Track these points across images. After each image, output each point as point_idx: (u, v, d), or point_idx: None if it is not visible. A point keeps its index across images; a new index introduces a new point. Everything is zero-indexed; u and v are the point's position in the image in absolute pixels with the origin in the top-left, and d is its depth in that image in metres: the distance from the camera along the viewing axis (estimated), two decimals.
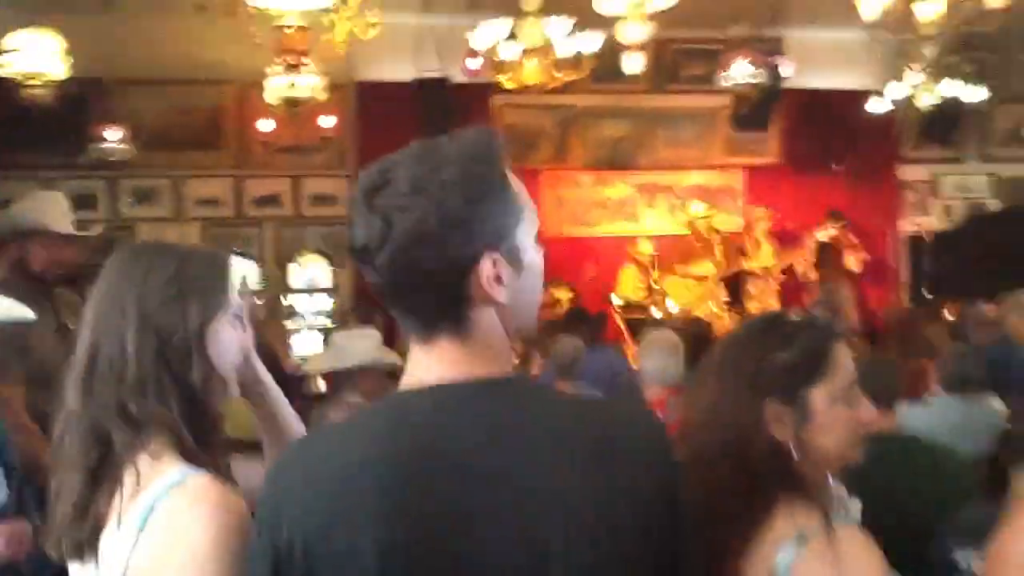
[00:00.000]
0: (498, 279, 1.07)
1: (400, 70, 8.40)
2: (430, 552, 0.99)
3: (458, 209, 1.05)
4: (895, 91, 8.39)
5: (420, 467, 1.01)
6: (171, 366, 1.29)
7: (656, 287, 8.56)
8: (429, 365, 1.09)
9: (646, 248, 8.87)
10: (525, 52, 6.63)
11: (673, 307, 8.44)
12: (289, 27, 4.40)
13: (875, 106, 8.76)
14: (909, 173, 10.18)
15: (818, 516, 1.30)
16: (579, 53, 6.69)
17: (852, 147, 9.55)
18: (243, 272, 1.42)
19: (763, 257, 8.69)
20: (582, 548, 1.00)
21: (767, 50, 7.92)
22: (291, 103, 6.20)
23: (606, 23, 6.82)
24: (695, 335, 5.14)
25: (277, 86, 6.08)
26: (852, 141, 9.50)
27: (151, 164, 8.32)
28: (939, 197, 10.33)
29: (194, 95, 8.48)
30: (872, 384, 1.47)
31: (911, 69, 8.58)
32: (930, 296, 8.81)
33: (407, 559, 0.98)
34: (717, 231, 8.68)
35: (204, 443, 1.30)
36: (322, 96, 6.35)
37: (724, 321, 8.37)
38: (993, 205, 10.42)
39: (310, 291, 8.66)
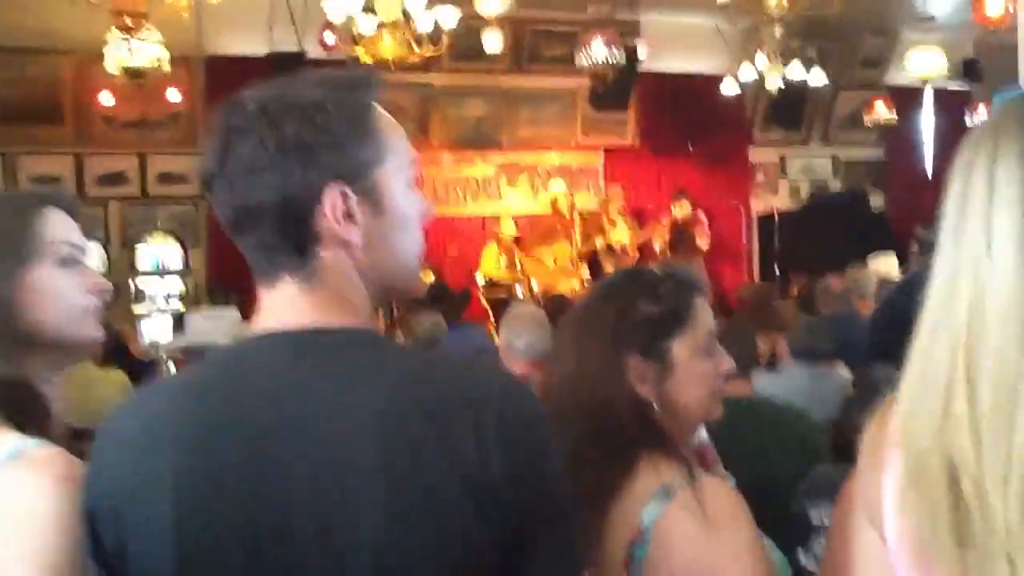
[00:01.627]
0: (348, 216, 0.97)
1: (252, 44, 8.08)
2: (226, 514, 0.91)
3: (303, 134, 0.95)
4: (745, 74, 8.66)
5: (219, 423, 0.93)
6: None
7: (519, 266, 8.58)
8: (272, 310, 1.00)
9: (508, 228, 8.88)
10: (382, 25, 6.48)
11: (536, 286, 8.48)
12: None
13: (727, 89, 9.03)
14: (759, 155, 10.58)
15: (682, 470, 1.27)
16: (438, 28, 6.59)
17: (705, 129, 9.85)
18: (63, 214, 1.29)
19: (619, 234, 8.84)
20: (393, 511, 0.89)
21: (624, 32, 8.03)
22: (133, 73, 5.84)
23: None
24: (556, 311, 5.18)
25: (117, 55, 5.71)
26: (705, 124, 9.79)
27: None
28: (787, 178, 10.78)
29: (28, 65, 7.91)
30: (729, 353, 1.46)
31: (760, 53, 8.90)
32: (779, 272, 9.18)
33: (203, 521, 0.91)
34: (577, 210, 8.77)
35: (29, 411, 1.17)
36: (167, 67, 6.02)
37: None
38: (835, 186, 10.97)
39: (160, 273, 8.26)
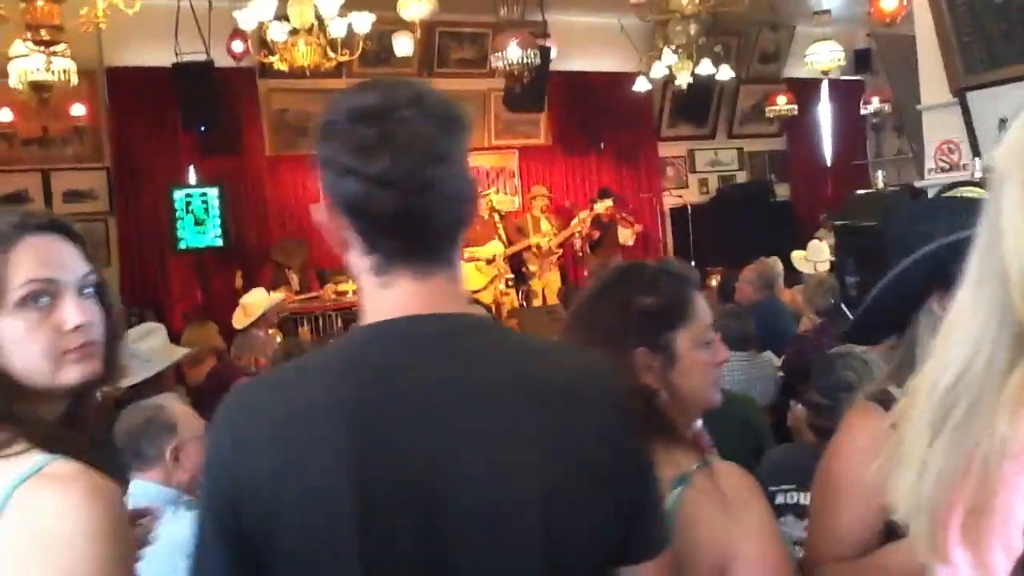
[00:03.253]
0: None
1: (156, 54, 7.88)
2: (404, 490, 0.98)
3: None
4: (656, 71, 8.84)
5: (388, 403, 1.01)
6: None
7: None
8: (418, 297, 1.06)
9: None
10: (295, 32, 6.40)
11: None
12: None
13: (639, 86, 9.21)
14: (667, 150, 10.81)
15: (695, 456, 1.33)
16: (351, 33, 6.55)
17: (615, 127, 10.03)
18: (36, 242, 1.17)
19: (543, 233, 8.93)
20: (550, 484, 1.00)
21: (533, 33, 8.10)
22: (39, 88, 5.63)
23: (375, 4, 6.74)
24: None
25: (24, 69, 5.49)
26: (614, 121, 9.98)
27: None
28: (695, 171, 11.05)
29: None
30: None
31: (669, 49, 9.10)
32: (696, 264, 9.38)
33: (383, 497, 0.98)
34: (497, 211, 8.80)
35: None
36: (74, 80, 5.81)
37: (511, 299, 8.53)
38: (741, 178, 11.29)
39: None
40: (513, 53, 6.86)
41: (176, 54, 7.68)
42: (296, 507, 0.98)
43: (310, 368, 1.10)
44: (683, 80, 9.17)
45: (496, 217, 8.68)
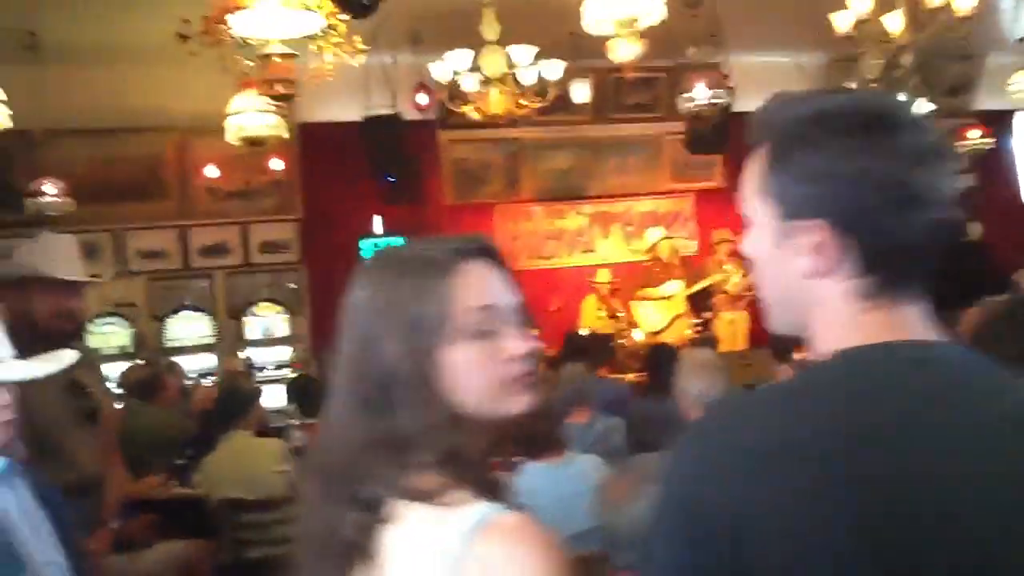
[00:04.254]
0: None
1: (343, 109, 8.19)
2: (911, 528, 0.88)
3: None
4: None
5: (886, 433, 0.90)
6: None
7: (621, 315, 8.45)
8: (899, 324, 0.98)
9: (604, 277, 8.78)
10: (487, 82, 6.49)
11: (639, 335, 8.34)
12: (276, 55, 4.15)
13: None
14: None
15: None
16: (541, 80, 6.60)
17: None
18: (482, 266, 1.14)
19: (732, 278, 8.70)
20: None
21: (716, 75, 7.97)
22: (255, 143, 5.90)
23: (557, 51, 6.77)
24: (661, 359, 5.07)
25: (241, 124, 5.77)
26: None
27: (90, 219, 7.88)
28: None
29: (131, 144, 8.06)
30: None
31: (854, 85, 8.79)
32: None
33: (894, 526, 0.87)
34: (678, 254, 8.66)
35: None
36: (286, 134, 6.07)
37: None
38: None
39: (268, 343, 8.30)
40: (701, 94, 6.74)
41: (365, 108, 7.95)
42: (792, 546, 0.88)
43: (781, 394, 1.01)
44: None
45: (676, 260, 8.54)
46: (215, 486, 4.25)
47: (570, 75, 7.97)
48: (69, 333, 3.00)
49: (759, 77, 9.40)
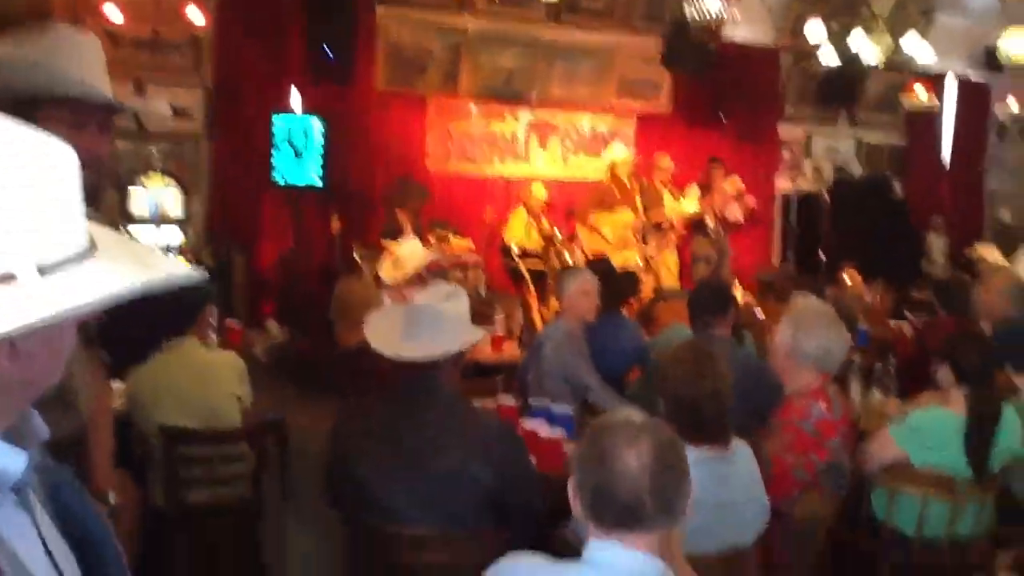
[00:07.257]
0: None
1: None
2: None
3: None
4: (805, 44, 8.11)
5: None
6: None
7: (559, 237, 7.73)
8: None
9: (540, 193, 7.98)
10: None
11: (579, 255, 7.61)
12: None
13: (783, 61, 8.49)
14: (786, 132, 10.01)
15: None
16: None
17: (739, 101, 9.24)
18: None
19: (686, 205, 8.15)
20: None
21: None
22: None
23: None
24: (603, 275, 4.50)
25: None
26: (742, 96, 9.19)
27: None
28: (811, 158, 10.26)
29: None
30: None
31: (814, 23, 8.37)
32: (823, 256, 8.67)
33: None
34: (638, 178, 8.02)
35: None
36: None
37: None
38: (855, 168, 10.51)
39: (156, 221, 7.16)
40: (711, 5, 6.00)
41: None
42: None
43: None
44: (830, 58, 8.45)
45: (636, 185, 7.90)
46: (145, 408, 3.33)
47: None
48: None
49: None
